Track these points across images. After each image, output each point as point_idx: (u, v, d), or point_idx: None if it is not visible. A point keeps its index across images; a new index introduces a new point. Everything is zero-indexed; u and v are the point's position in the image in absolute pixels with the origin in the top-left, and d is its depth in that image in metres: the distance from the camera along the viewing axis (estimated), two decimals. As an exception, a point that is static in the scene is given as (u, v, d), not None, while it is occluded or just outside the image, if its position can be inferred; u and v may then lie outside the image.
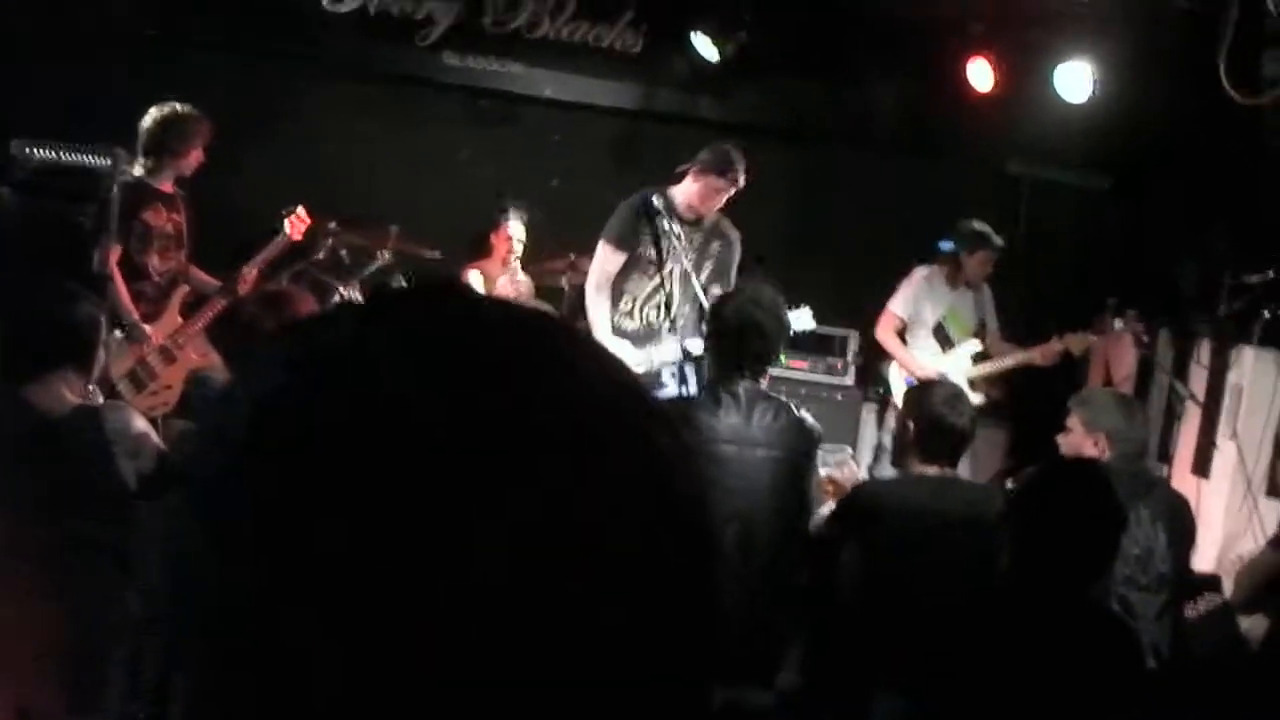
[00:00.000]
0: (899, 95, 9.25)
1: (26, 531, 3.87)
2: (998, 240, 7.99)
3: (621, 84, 9.42)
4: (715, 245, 6.93)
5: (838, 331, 8.55)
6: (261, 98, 8.57)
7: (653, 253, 6.89)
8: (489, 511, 0.65)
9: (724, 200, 6.84)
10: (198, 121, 6.99)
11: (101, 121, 7.67)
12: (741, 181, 6.78)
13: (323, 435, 0.67)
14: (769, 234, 9.30)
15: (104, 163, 7.96)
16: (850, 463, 5.96)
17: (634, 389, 0.75)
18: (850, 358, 8.57)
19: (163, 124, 6.95)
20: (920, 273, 8.08)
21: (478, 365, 0.70)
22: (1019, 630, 3.62)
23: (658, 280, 6.91)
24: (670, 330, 6.89)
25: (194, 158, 7.03)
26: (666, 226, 6.83)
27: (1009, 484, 4.24)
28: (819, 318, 6.66)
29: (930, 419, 4.93)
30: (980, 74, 8.65)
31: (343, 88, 9.18)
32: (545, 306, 6.12)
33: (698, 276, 6.87)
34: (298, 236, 7.11)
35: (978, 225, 8.00)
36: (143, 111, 7.03)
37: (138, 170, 6.95)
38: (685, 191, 6.85)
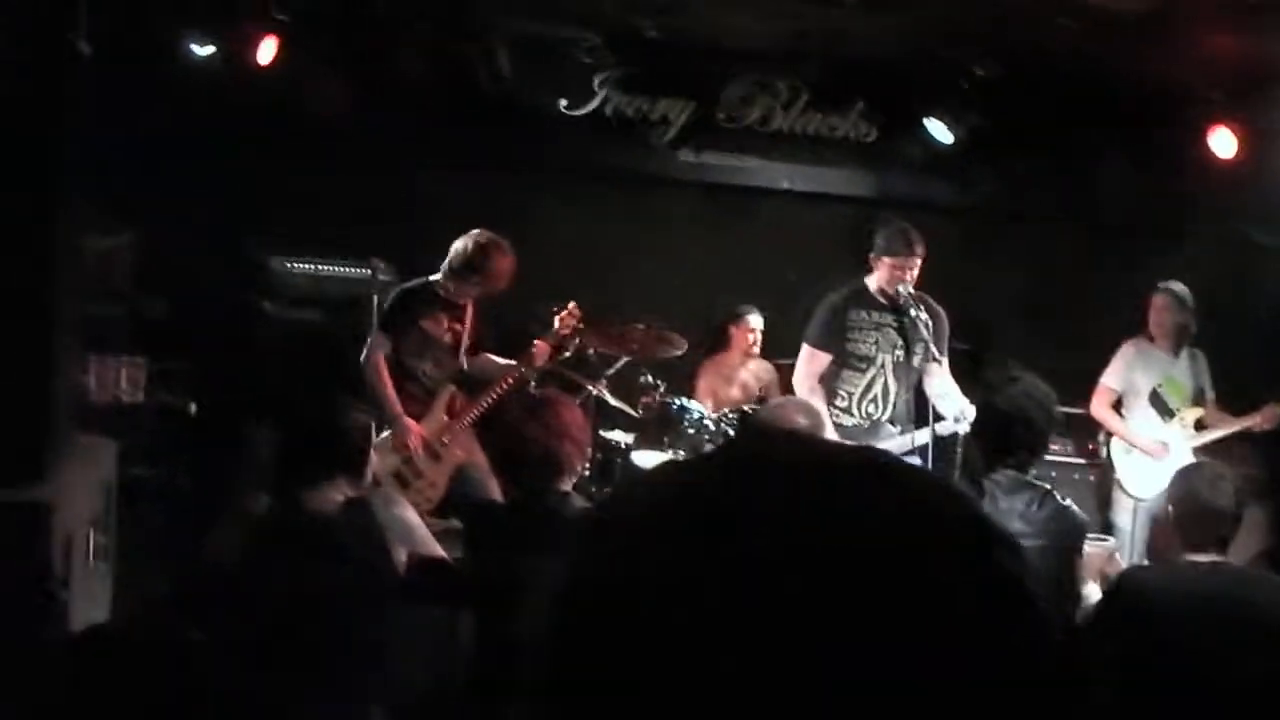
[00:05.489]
0: (1135, 173, 9.09)
1: (296, 631, 4.07)
2: (1178, 289, 7.85)
3: (856, 172, 9.54)
4: (920, 327, 6.81)
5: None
6: (502, 202, 8.78)
7: (861, 348, 6.91)
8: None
9: (913, 275, 6.82)
10: (504, 255, 7.02)
11: (352, 234, 8.06)
12: (920, 252, 6.78)
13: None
14: (1007, 316, 9.23)
15: (362, 273, 8.33)
16: (1117, 558, 5.73)
17: (961, 502, 0.85)
18: (1102, 438, 8.40)
19: (478, 249, 6.97)
20: (1130, 344, 7.94)
21: (840, 502, 0.81)
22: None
23: (871, 374, 6.92)
24: (890, 422, 6.91)
25: (490, 285, 7.05)
26: (868, 318, 6.90)
27: None
28: (1066, 400, 6.52)
29: (1193, 503, 4.67)
30: (1223, 142, 8.50)
31: (581, 188, 9.43)
32: (804, 400, 6.15)
33: (910, 361, 6.90)
34: (566, 331, 7.15)
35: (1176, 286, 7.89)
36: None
37: (434, 277, 7.04)
38: (875, 279, 6.92)
